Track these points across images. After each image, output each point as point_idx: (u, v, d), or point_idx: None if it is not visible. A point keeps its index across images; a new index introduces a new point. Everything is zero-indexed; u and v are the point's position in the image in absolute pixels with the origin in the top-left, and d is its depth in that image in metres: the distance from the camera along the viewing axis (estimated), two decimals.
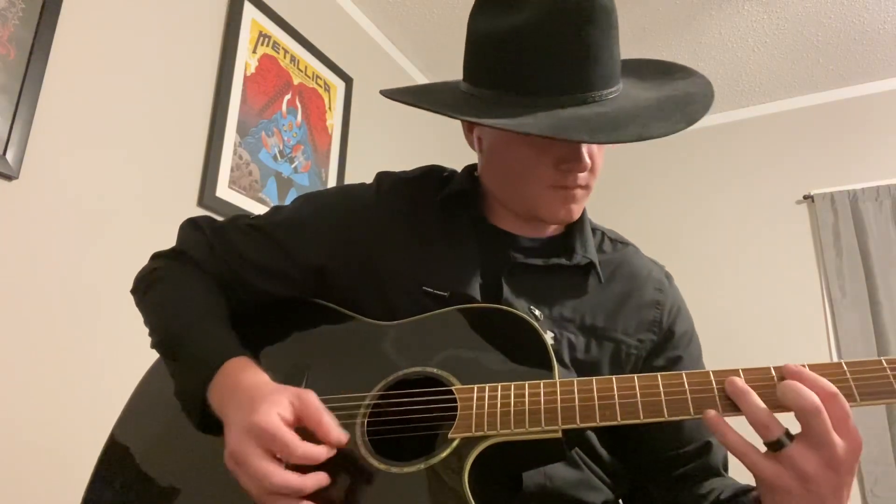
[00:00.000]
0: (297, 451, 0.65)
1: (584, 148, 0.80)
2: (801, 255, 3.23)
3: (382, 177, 0.97)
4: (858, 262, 3.07)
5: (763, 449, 0.62)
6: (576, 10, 0.74)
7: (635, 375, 0.68)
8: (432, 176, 0.97)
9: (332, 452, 0.67)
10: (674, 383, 0.66)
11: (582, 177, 0.83)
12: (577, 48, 0.75)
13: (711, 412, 0.63)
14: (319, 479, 0.66)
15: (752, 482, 0.83)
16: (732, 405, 0.63)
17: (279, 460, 0.66)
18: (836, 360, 3.01)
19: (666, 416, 0.65)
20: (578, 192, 0.84)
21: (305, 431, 0.68)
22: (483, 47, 0.82)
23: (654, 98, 0.79)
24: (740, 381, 0.63)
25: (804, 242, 3.25)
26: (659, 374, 0.67)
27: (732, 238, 3.39)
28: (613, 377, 0.68)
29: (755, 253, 3.32)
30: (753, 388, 0.63)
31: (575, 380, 0.69)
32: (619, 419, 0.65)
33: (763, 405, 0.61)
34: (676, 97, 0.79)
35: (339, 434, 0.68)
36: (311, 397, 0.69)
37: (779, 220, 3.33)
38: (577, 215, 0.87)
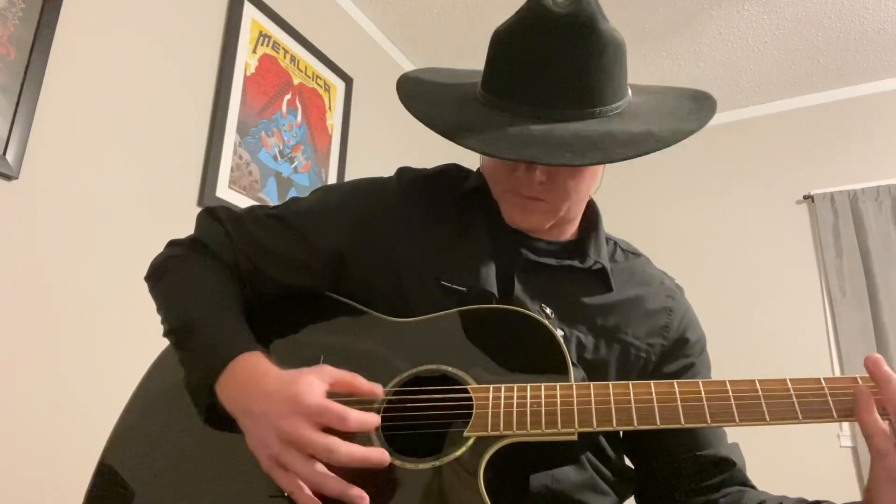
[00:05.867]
0: (351, 418, 0.65)
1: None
2: (801, 255, 3.24)
3: (403, 171, 0.97)
4: (858, 262, 3.07)
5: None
6: (541, 22, 0.75)
7: (651, 382, 0.68)
8: (451, 173, 0.97)
9: (378, 419, 0.69)
10: (690, 390, 0.67)
11: (535, 189, 0.83)
12: (531, 57, 0.77)
13: (861, 385, 0.64)
14: (381, 454, 0.66)
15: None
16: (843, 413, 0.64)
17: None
18: (836, 360, 3.02)
19: (682, 423, 0.65)
20: (538, 203, 0.85)
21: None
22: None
23: (603, 131, 0.77)
24: (885, 366, 0.64)
25: (804, 242, 3.25)
26: (675, 382, 0.68)
27: (732, 238, 3.39)
28: (630, 382, 0.69)
29: (755, 253, 3.32)
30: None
31: (591, 383, 0.69)
32: (635, 424, 0.65)
33: None
34: (626, 135, 0.77)
35: (373, 386, 0.71)
36: (330, 368, 0.71)
37: (779, 220, 3.33)
38: (536, 226, 0.88)
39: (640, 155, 0.74)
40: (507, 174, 0.85)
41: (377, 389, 0.71)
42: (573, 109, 0.77)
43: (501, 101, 0.79)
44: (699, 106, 0.84)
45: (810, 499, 0.77)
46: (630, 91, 0.85)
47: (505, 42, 0.79)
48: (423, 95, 0.88)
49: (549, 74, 0.76)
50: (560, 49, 0.75)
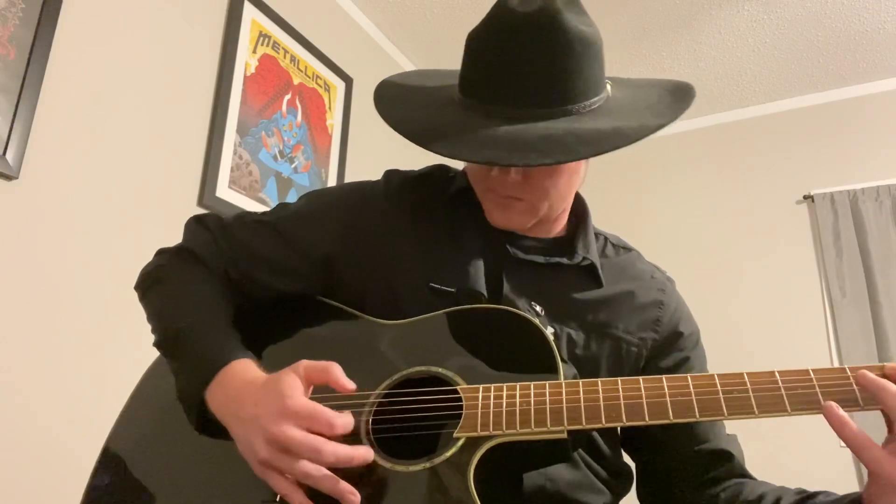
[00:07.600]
0: (338, 423, 0.66)
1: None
2: (801, 255, 3.23)
3: (391, 174, 0.97)
4: (858, 262, 3.07)
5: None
6: (505, 24, 0.77)
7: (640, 378, 0.68)
8: (439, 174, 0.98)
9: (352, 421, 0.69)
10: (679, 385, 0.67)
11: (510, 187, 0.83)
12: (498, 59, 0.78)
13: (832, 403, 0.62)
14: (366, 452, 0.66)
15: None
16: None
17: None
18: (836, 360, 3.02)
19: (671, 418, 0.65)
20: (517, 203, 0.85)
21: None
22: None
23: (569, 129, 0.76)
24: (872, 375, 0.63)
25: (804, 242, 3.25)
26: (664, 377, 0.68)
27: (732, 238, 3.39)
28: (619, 379, 0.69)
29: (755, 253, 3.32)
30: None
31: (580, 381, 0.69)
32: (624, 420, 0.65)
33: None
34: (593, 133, 0.76)
35: (349, 382, 0.70)
36: (306, 361, 0.71)
37: (779, 220, 3.33)
38: (518, 225, 0.88)
39: (602, 152, 0.74)
40: (485, 174, 0.85)
41: (350, 385, 0.70)
42: (542, 108, 0.77)
43: (474, 102, 0.80)
44: (676, 98, 0.83)
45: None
46: (610, 86, 0.84)
47: (474, 44, 0.80)
48: (399, 99, 0.88)
49: (516, 75, 0.77)
50: (524, 49, 0.76)
